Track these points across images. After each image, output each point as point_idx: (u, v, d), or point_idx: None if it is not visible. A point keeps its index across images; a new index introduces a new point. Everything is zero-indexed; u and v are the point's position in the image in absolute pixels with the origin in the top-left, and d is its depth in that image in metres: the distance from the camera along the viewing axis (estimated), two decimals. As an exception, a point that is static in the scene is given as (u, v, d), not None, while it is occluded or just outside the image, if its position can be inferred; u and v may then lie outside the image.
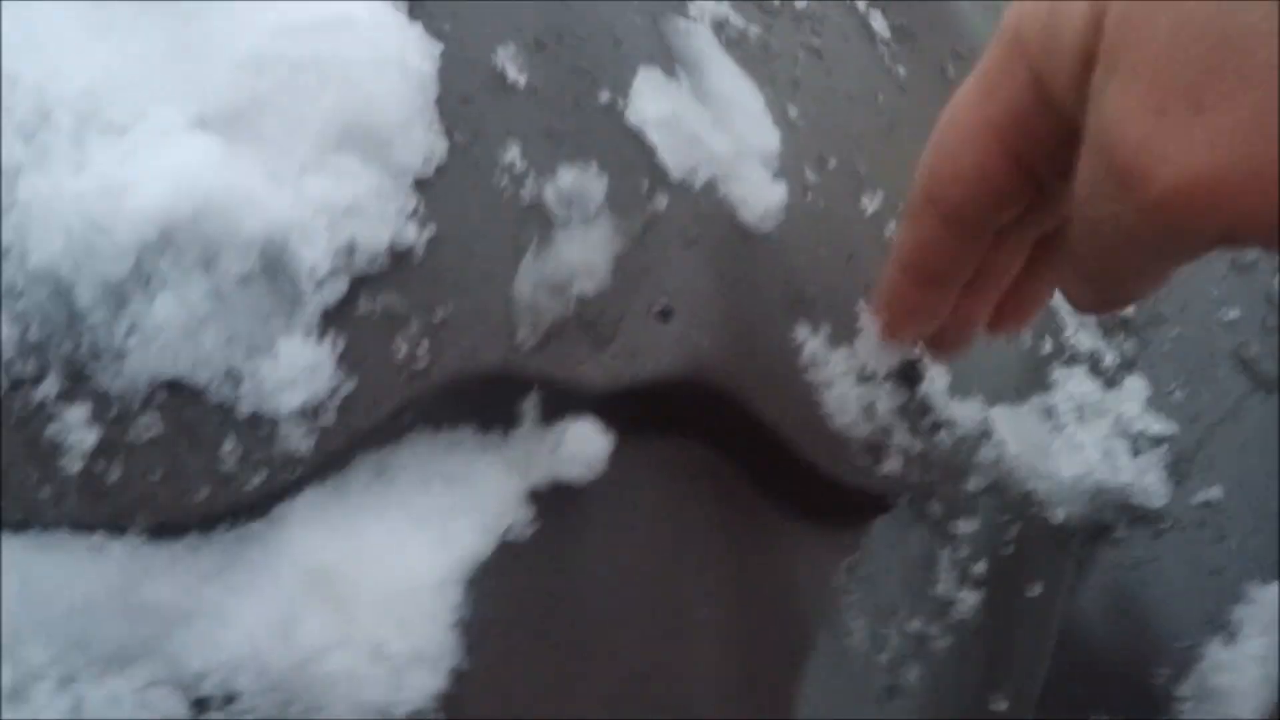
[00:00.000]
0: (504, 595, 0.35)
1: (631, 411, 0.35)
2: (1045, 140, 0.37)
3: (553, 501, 0.35)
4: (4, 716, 0.31)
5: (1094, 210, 0.35)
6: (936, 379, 0.44)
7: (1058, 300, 0.51)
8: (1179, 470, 0.49)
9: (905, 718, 0.40)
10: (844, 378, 0.41)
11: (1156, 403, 0.50)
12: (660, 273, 0.37)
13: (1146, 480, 0.48)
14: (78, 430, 0.32)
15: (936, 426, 0.44)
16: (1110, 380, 0.50)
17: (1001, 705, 0.43)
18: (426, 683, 0.33)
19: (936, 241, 0.41)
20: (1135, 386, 0.50)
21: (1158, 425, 0.50)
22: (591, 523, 0.36)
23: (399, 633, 0.33)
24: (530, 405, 0.35)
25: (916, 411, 0.42)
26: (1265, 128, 0.30)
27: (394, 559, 0.33)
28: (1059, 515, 0.46)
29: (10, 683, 0.31)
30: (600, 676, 0.35)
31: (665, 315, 0.36)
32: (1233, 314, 0.55)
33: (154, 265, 0.33)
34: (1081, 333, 0.51)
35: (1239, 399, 0.52)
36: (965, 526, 0.43)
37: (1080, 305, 0.41)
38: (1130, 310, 0.54)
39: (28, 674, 0.32)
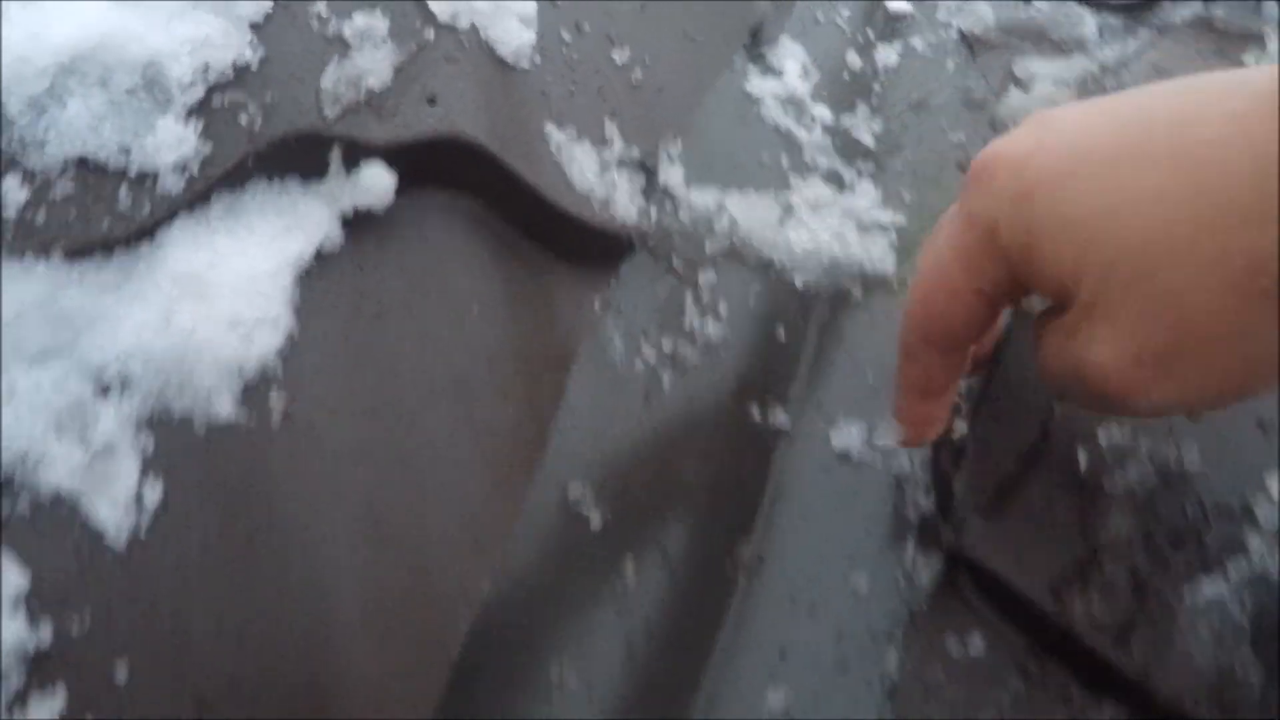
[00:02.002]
0: (323, 287, 0.50)
1: (413, 163, 0.51)
2: (1015, 291, 0.47)
3: (357, 224, 0.50)
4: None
5: (1051, 376, 0.47)
6: (673, 174, 0.59)
7: (794, 124, 0.66)
8: (906, 248, 0.63)
9: (663, 419, 0.54)
10: (587, 162, 0.56)
11: (886, 202, 0.64)
12: (428, 77, 0.53)
13: (875, 254, 0.62)
14: (13, 192, 0.48)
15: (674, 204, 0.59)
16: (845, 187, 0.65)
17: (765, 417, 0.56)
18: (269, 341, 0.48)
19: (935, 366, 0.51)
20: (867, 190, 0.64)
21: (886, 217, 0.64)
22: (387, 242, 0.51)
23: (248, 307, 0.48)
24: (335, 158, 0.50)
25: (652, 189, 0.58)
26: (1213, 377, 0.42)
27: (242, 262, 0.48)
28: (798, 281, 0.61)
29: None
30: (399, 343, 0.50)
31: (432, 101, 0.52)
32: (960, 137, 0.70)
33: (65, 84, 0.50)
34: (820, 155, 0.66)
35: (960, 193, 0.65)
36: (705, 278, 0.57)
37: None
38: (870, 141, 0.69)
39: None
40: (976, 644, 0.51)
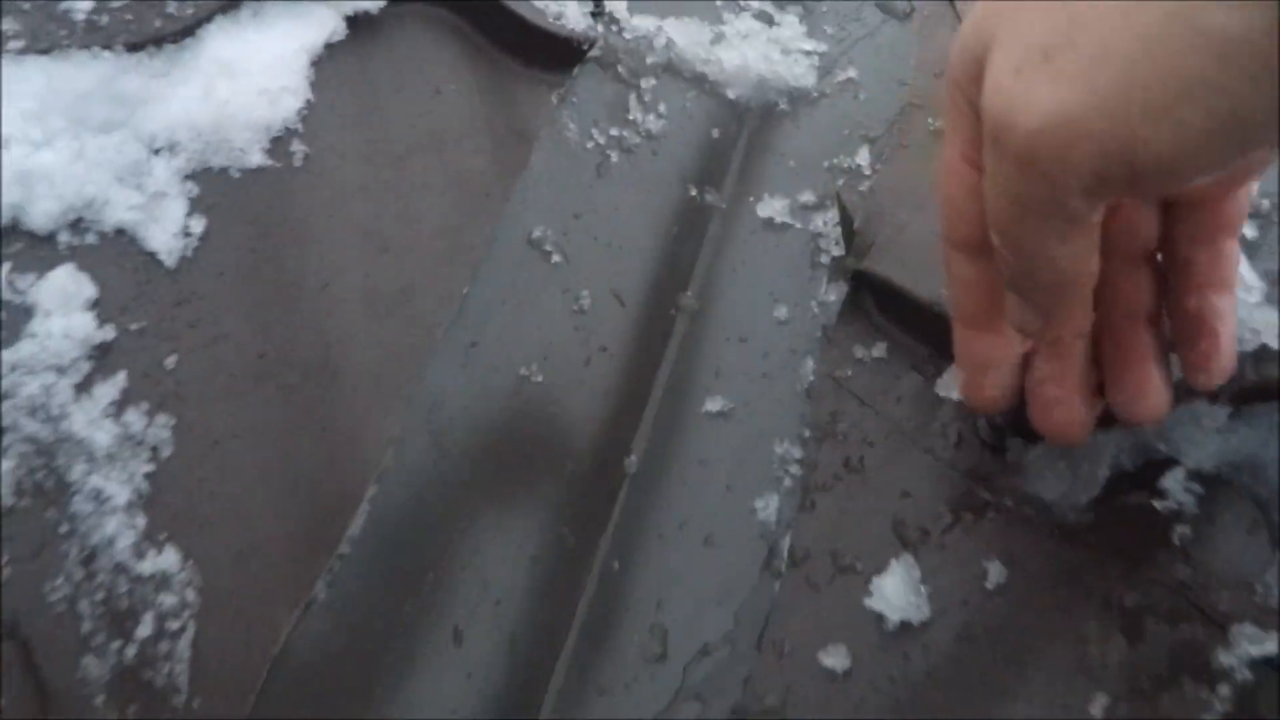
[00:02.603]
0: (331, 68, 0.65)
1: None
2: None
3: (357, 23, 0.65)
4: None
5: (990, 189, 0.41)
6: (617, 4, 0.70)
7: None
8: (825, 67, 0.73)
9: (612, 189, 0.66)
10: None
11: (810, 33, 0.75)
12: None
13: (798, 72, 0.73)
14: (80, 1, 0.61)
15: (618, 26, 0.70)
16: (773, 24, 0.76)
17: (702, 195, 0.67)
18: (291, 104, 0.61)
19: (967, 276, 0.48)
20: (792, 24, 0.75)
21: (809, 45, 0.74)
22: (380, 37, 0.65)
23: (273, 80, 0.61)
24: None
25: (599, 13, 0.69)
26: (1106, 66, 0.36)
27: (267, 49, 0.61)
28: (731, 94, 0.72)
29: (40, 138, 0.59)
30: (389, 108, 0.63)
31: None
32: (878, -15, 0.81)
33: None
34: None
35: (877, 26, 0.76)
36: (647, 84, 0.69)
37: (1026, 329, 0.47)
38: (799, -12, 0.80)
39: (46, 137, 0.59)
40: (879, 349, 0.61)
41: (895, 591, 0.54)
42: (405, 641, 0.52)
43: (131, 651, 0.50)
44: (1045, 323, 0.46)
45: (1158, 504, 0.54)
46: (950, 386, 0.59)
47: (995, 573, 0.55)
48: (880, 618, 0.54)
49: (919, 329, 0.60)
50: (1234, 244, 0.48)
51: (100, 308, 0.56)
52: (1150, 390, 0.49)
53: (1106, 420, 0.53)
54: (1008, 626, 0.53)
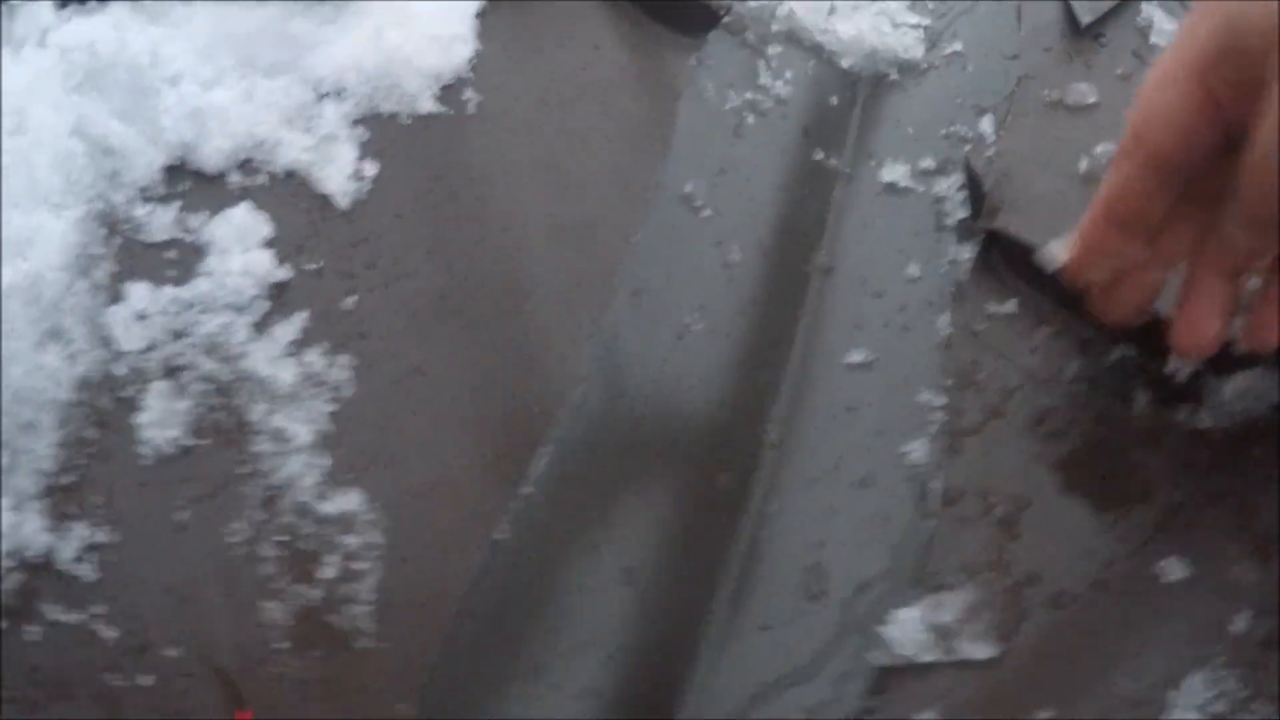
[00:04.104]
0: (494, 20, 0.62)
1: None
2: (1234, 81, 0.39)
3: None
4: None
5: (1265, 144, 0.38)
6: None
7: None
8: (931, 39, 0.72)
9: (749, 150, 0.63)
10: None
11: (912, 8, 0.73)
12: None
13: (907, 43, 0.71)
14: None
15: None
16: None
17: (819, 155, 0.65)
18: (462, 52, 0.59)
19: (1138, 182, 0.45)
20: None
21: (914, 18, 0.73)
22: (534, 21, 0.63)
23: (444, 27, 0.59)
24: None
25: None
26: None
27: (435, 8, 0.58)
28: (845, 64, 0.70)
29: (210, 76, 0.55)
30: (555, 56, 0.61)
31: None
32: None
33: None
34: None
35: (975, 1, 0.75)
36: (773, 51, 0.67)
37: (1249, 260, 0.46)
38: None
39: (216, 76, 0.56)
40: (1010, 305, 0.60)
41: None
42: (583, 580, 0.50)
43: (316, 595, 0.47)
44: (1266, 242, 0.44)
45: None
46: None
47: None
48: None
49: (1048, 285, 0.59)
50: None
51: (276, 247, 0.52)
52: (1211, 325, 0.49)
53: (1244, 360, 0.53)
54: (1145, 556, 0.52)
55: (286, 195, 0.54)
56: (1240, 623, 0.50)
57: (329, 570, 0.48)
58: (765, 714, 0.49)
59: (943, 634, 0.51)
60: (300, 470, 0.49)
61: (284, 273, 0.52)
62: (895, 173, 0.65)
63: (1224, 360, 0.55)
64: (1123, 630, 0.50)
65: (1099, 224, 0.49)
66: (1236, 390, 0.56)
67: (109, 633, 0.46)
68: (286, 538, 0.48)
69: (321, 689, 0.47)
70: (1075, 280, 0.52)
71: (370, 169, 0.55)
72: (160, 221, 0.53)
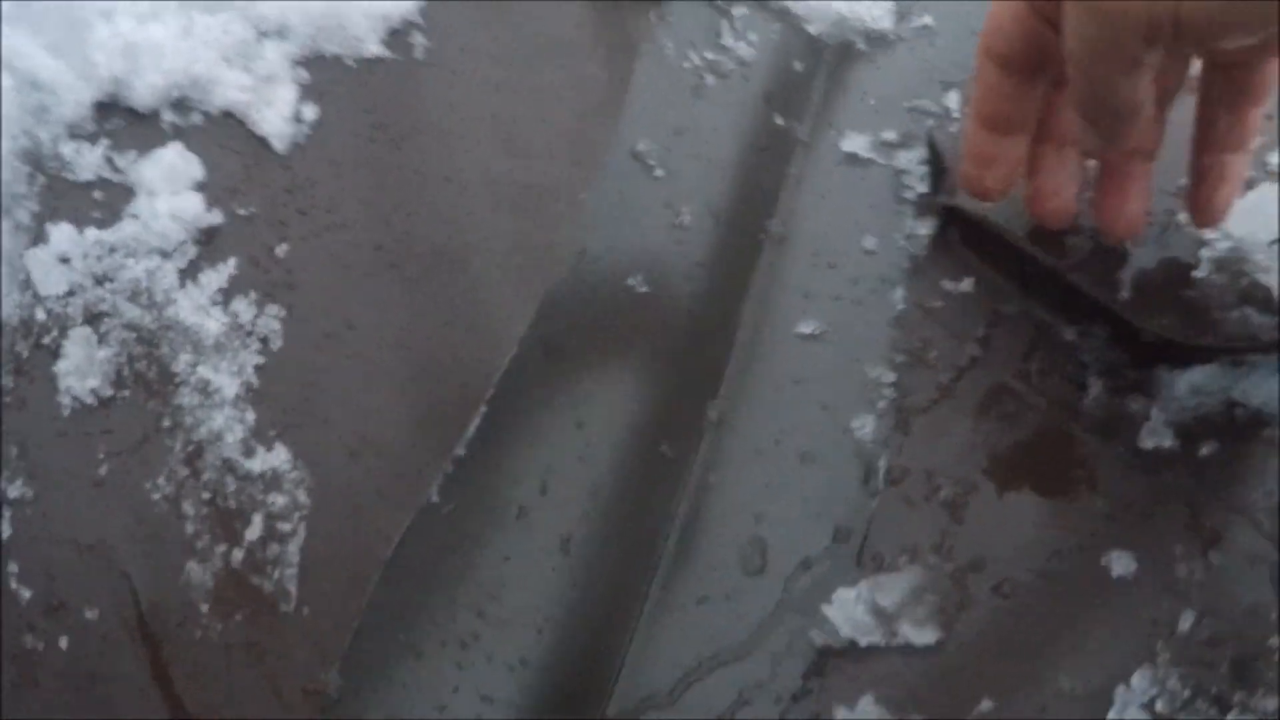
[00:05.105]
0: None
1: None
2: None
3: None
4: None
5: (1069, 28, 0.43)
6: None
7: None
8: (901, 11, 0.69)
9: (707, 111, 0.61)
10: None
11: None
12: None
13: (877, 13, 0.69)
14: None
15: None
16: None
17: (779, 120, 0.63)
18: None
19: (996, 86, 0.50)
20: None
21: (885, -14, 0.71)
22: None
23: None
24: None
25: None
26: None
27: None
28: (811, 29, 0.67)
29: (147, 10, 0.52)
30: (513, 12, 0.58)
31: None
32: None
33: None
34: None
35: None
36: (739, 10, 0.64)
37: (1088, 147, 0.52)
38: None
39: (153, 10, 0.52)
40: (966, 284, 0.58)
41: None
42: (517, 548, 0.48)
43: (239, 555, 0.45)
44: (1106, 144, 0.49)
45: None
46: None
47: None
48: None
49: (1006, 266, 0.57)
50: (1256, 113, 0.51)
51: (208, 190, 0.49)
52: (1130, 209, 0.54)
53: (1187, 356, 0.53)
54: (1092, 549, 0.50)
55: (221, 137, 0.51)
56: (1185, 621, 0.48)
57: (253, 530, 0.45)
58: (700, 690, 0.47)
59: (884, 617, 0.50)
60: (225, 425, 0.46)
61: (214, 217, 0.49)
62: (856, 143, 0.62)
63: (1178, 352, 0.54)
64: (1067, 623, 0.49)
65: (972, 129, 0.53)
66: (1191, 385, 0.55)
67: (24, 592, 0.44)
68: (210, 495, 0.46)
69: (244, 653, 0.44)
70: (975, 192, 0.55)
71: (310, 112, 0.52)
72: (87, 160, 0.50)
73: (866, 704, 0.46)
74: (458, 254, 0.51)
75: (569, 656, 0.47)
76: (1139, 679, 0.47)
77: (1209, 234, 0.56)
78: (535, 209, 0.53)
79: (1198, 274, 0.56)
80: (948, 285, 0.58)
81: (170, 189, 0.48)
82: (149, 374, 0.46)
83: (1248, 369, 0.54)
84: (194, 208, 0.48)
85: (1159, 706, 0.46)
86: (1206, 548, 0.50)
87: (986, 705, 0.46)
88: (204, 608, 0.44)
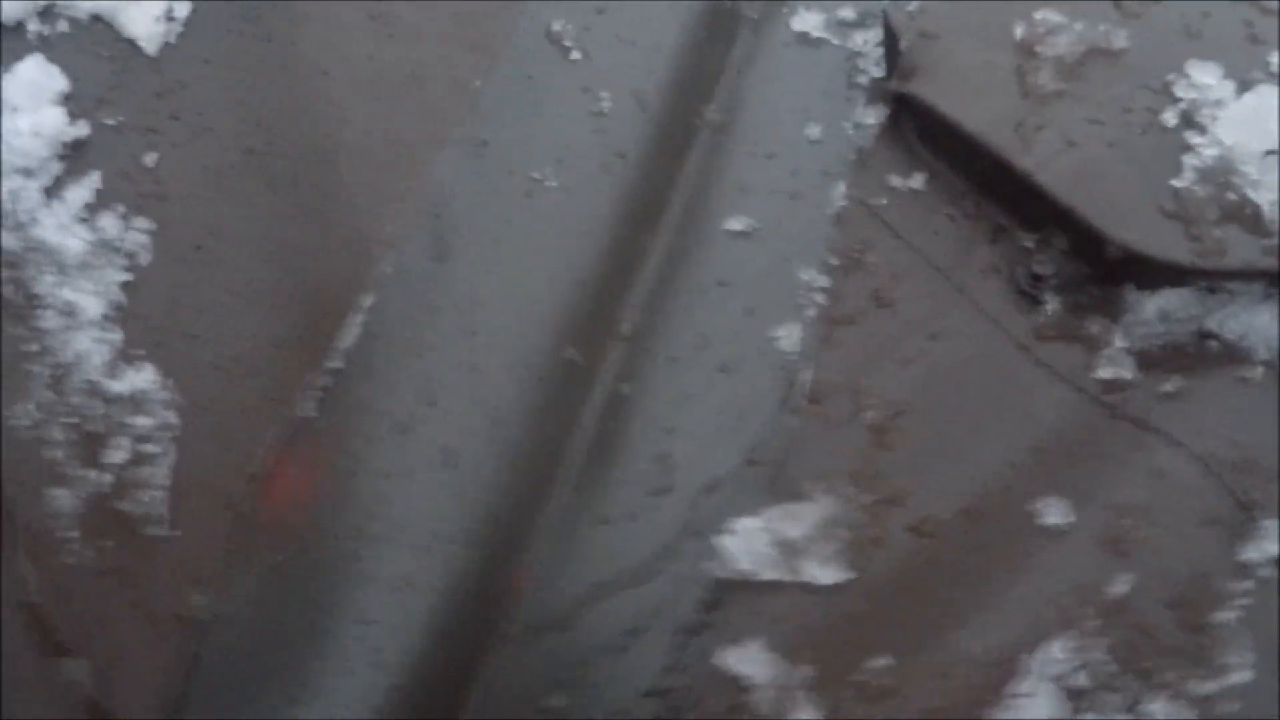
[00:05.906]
0: None
1: None
2: None
3: None
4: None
5: None
6: None
7: None
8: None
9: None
10: None
11: None
12: None
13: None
14: None
15: None
16: None
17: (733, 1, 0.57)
18: None
19: None
20: None
21: None
22: None
23: None
24: None
25: None
26: None
27: None
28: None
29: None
30: None
31: None
32: None
33: None
34: None
35: None
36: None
37: None
38: None
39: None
40: (917, 180, 0.52)
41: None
42: (396, 462, 0.45)
43: (106, 480, 0.43)
44: None
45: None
46: None
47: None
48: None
49: (963, 162, 0.50)
50: None
51: (73, 102, 0.47)
52: None
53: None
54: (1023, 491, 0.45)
55: (87, 43, 0.48)
56: (1121, 584, 0.43)
57: (119, 454, 0.43)
58: (597, 614, 0.44)
59: (789, 550, 0.45)
60: (90, 346, 0.44)
61: (79, 130, 0.46)
62: (809, 22, 0.56)
63: (1148, 271, 0.47)
64: (984, 575, 0.44)
65: None
66: (1159, 310, 0.49)
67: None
68: (75, 420, 0.44)
69: (114, 579, 0.43)
70: None
71: (182, 9, 0.49)
72: (-56, 82, 0.48)
73: (757, 649, 0.43)
74: (329, 149, 0.47)
75: (457, 577, 0.44)
76: (1058, 648, 0.42)
77: (1195, 139, 0.49)
78: (414, 93, 0.49)
79: (1178, 183, 0.49)
80: (895, 181, 0.52)
81: (31, 104, 0.45)
82: (13, 298, 0.44)
83: (1226, 296, 0.48)
84: (57, 122, 0.46)
85: (1076, 680, 0.41)
86: (1156, 501, 0.44)
87: (882, 662, 0.42)
88: (72, 534, 0.43)
